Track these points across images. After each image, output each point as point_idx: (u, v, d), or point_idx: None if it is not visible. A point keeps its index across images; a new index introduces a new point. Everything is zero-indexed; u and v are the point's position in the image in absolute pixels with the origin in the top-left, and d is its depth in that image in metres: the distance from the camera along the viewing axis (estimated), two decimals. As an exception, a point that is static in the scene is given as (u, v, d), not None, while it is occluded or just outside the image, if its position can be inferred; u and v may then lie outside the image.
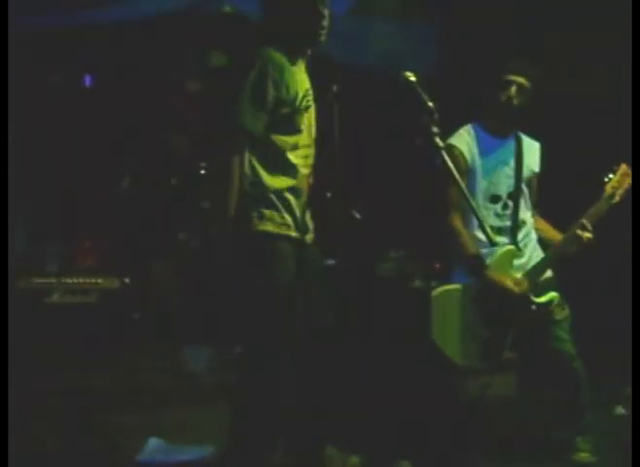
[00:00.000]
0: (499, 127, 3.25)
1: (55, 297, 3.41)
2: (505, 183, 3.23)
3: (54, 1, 4.06)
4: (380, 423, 3.28)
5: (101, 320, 3.45)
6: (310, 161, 2.75)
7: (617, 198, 3.09)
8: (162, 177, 4.14)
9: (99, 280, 3.53)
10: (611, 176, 3.11)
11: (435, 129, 2.50)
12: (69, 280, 3.48)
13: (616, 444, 3.37)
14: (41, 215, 4.15)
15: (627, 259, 3.44)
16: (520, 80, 3.14)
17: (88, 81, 4.57)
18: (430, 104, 2.52)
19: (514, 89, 3.14)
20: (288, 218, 2.66)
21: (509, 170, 3.24)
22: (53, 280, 3.63)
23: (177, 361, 3.49)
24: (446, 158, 2.53)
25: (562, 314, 3.24)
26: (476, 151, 3.20)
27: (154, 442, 3.14)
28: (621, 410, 3.77)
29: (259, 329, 2.66)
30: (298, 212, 2.68)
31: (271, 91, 2.56)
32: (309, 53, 2.75)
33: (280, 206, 2.65)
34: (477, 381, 3.49)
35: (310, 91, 2.73)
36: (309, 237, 2.78)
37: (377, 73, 3.13)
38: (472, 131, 3.25)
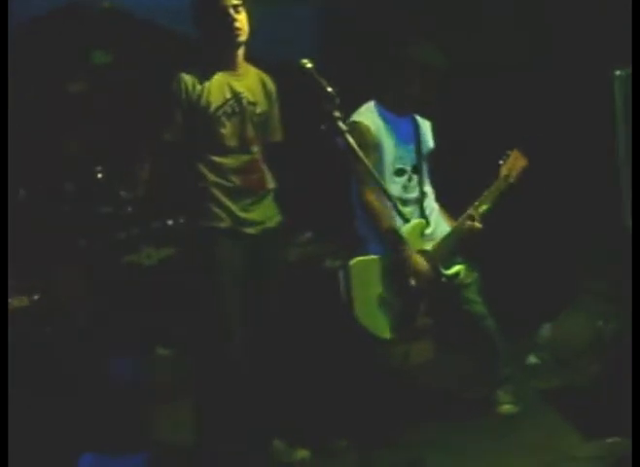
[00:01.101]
0: (397, 107, 3.34)
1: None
2: (408, 157, 3.33)
3: None
4: (314, 407, 3.34)
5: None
6: (244, 159, 2.99)
7: (512, 179, 3.34)
8: (57, 184, 4.00)
9: (9, 300, 3.39)
10: (505, 159, 3.35)
11: (337, 114, 2.56)
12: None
13: (532, 392, 3.57)
14: None
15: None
16: (423, 66, 3.22)
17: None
18: (329, 90, 2.56)
19: (414, 74, 3.23)
20: (217, 210, 2.94)
21: (410, 145, 3.35)
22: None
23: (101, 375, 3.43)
24: (350, 140, 2.59)
25: (471, 278, 3.40)
26: (380, 126, 3.27)
27: (87, 458, 3.08)
28: (532, 359, 3.98)
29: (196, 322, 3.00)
30: (230, 206, 2.95)
31: (179, 107, 2.91)
32: (239, 56, 2.98)
33: (207, 200, 2.94)
34: (395, 350, 3.60)
35: (244, 96, 2.98)
36: (252, 230, 3.00)
37: (266, 60, 3.14)
38: (374, 108, 3.32)
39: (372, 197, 3.19)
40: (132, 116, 4.09)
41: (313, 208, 4.30)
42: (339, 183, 3.32)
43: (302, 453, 3.12)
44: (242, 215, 2.97)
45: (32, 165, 4.02)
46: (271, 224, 3.06)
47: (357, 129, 3.12)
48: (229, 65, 2.98)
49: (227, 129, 2.95)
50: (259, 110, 3.02)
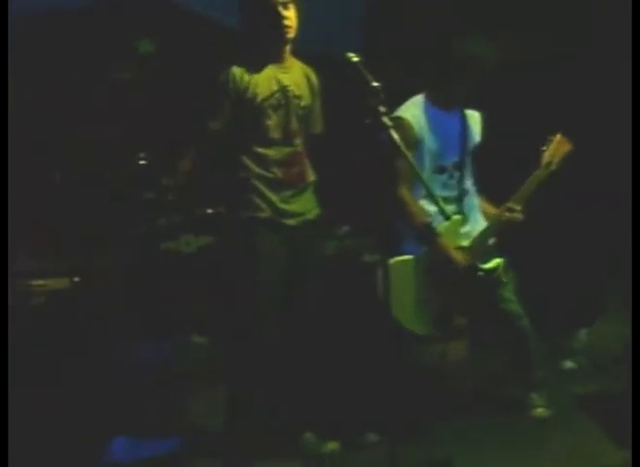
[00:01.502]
0: (447, 101, 3.29)
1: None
2: (451, 154, 3.29)
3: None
4: (348, 401, 3.34)
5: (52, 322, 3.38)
6: (287, 152, 3.02)
7: (554, 167, 3.25)
8: (96, 170, 4.06)
9: (47, 281, 3.44)
10: (547, 146, 3.26)
11: (382, 109, 2.55)
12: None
13: (567, 397, 3.53)
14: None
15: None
16: (474, 60, 3.17)
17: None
18: (375, 84, 2.55)
19: (466, 69, 3.19)
20: (257, 201, 2.97)
21: (455, 141, 3.31)
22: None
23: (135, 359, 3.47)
24: (394, 135, 2.57)
25: (507, 276, 3.37)
26: (424, 122, 3.24)
27: (119, 440, 3.13)
28: (569, 363, 3.93)
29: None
30: (271, 197, 2.98)
31: (228, 99, 2.94)
32: (287, 50, 3.02)
33: (249, 191, 2.97)
34: (432, 349, 3.58)
35: (290, 89, 3.01)
36: (292, 221, 3.02)
37: (311, 53, 3.15)
38: (421, 103, 3.29)
39: (406, 194, 3.19)
40: (177, 104, 4.12)
41: (352, 202, 4.30)
42: (379, 177, 3.31)
43: (332, 446, 3.15)
44: (282, 206, 3.00)
45: (73, 151, 4.09)
46: (310, 216, 3.09)
47: (399, 125, 3.10)
48: (276, 59, 3.01)
49: (272, 121, 2.98)
50: (303, 103, 3.05)
